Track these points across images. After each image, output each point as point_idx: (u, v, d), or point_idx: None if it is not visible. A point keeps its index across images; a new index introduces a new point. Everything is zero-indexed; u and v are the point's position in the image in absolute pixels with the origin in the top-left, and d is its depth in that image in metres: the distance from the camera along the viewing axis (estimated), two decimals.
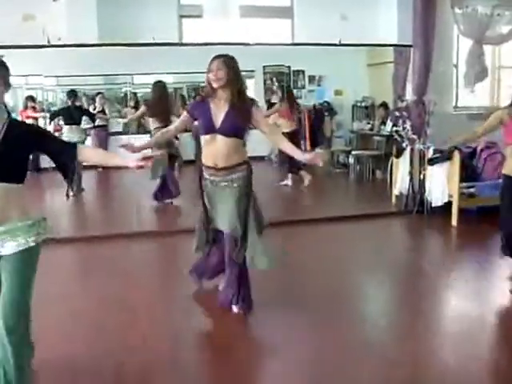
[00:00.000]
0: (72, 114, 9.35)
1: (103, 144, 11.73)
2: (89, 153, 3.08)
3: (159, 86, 8.43)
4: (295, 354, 3.61)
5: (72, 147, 2.83)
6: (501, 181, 7.01)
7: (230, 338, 3.91)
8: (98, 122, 11.48)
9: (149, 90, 9.37)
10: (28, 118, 11.01)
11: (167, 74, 12.27)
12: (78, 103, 9.72)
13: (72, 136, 9.04)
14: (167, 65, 11.00)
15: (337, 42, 7.94)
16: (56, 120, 9.82)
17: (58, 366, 3.39)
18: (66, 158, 2.79)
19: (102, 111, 11.51)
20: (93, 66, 10.62)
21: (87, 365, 3.44)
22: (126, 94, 12.75)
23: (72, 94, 9.49)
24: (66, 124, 9.37)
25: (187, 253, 4.62)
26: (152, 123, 8.44)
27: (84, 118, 9.69)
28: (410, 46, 8.12)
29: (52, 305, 4.25)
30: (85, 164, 4.09)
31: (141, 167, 2.80)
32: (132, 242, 6.38)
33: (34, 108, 10.96)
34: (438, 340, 3.87)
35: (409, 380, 3.35)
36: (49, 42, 6.84)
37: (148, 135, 8.68)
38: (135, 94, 12.60)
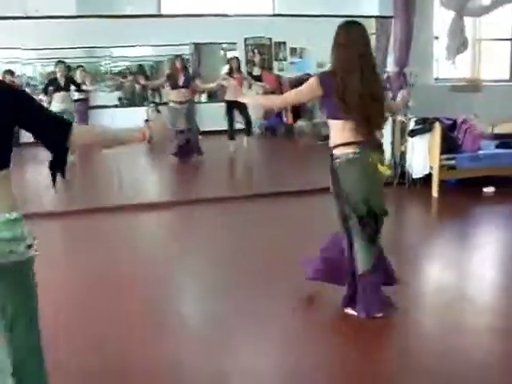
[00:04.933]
0: (60, 83, 9.46)
1: (84, 117, 11.62)
2: (87, 133, 2.30)
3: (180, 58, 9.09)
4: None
5: (66, 124, 2.13)
6: (481, 152, 7.12)
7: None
8: (78, 96, 11.37)
9: (128, 63, 9.37)
10: None
11: (147, 46, 12.17)
12: (65, 73, 9.73)
13: (60, 104, 9.28)
14: (147, 37, 10.87)
15: (317, 14, 7.89)
16: (49, 91, 9.80)
17: None
18: (55, 137, 2.11)
19: (84, 84, 11.39)
20: (72, 38, 10.49)
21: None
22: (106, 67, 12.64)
23: (61, 63, 9.54)
24: (54, 92, 9.45)
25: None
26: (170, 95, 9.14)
27: (72, 87, 9.75)
28: (390, 17, 8.09)
29: None
30: None
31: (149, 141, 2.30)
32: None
33: (12, 82, 10.79)
34: (420, 310, 3.93)
35: (393, 352, 3.42)
36: (26, 13, 6.72)
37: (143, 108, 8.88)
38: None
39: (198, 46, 12.37)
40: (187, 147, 9.42)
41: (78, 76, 11.23)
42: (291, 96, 4.05)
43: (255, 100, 4.66)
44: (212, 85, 10.28)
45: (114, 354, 3.30)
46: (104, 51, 12.24)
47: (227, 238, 5.58)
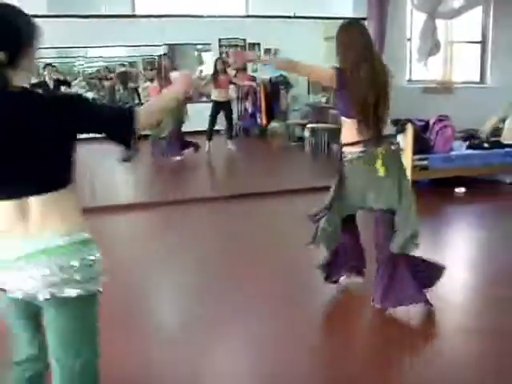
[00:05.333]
0: (49, 86, 9.35)
1: None
2: (147, 114, 2.04)
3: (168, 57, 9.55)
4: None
5: (129, 113, 1.97)
6: (452, 153, 7.21)
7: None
8: None
9: (102, 63, 9.33)
10: None
11: (121, 46, 12.09)
12: (54, 76, 9.71)
13: None
14: (120, 38, 10.80)
15: (291, 15, 7.91)
16: None
17: None
18: (119, 129, 1.96)
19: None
20: (44, 38, 10.34)
21: None
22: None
23: (49, 66, 9.52)
24: None
25: None
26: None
27: (63, 88, 9.67)
28: (364, 19, 8.15)
29: None
30: None
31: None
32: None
33: None
34: (390, 309, 3.95)
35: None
36: None
37: None
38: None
39: (171, 47, 12.33)
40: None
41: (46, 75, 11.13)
42: (316, 72, 3.88)
43: (279, 60, 4.53)
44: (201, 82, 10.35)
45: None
46: (78, 51, 12.13)
47: (205, 237, 5.56)
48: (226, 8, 10.25)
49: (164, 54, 9.68)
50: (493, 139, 7.69)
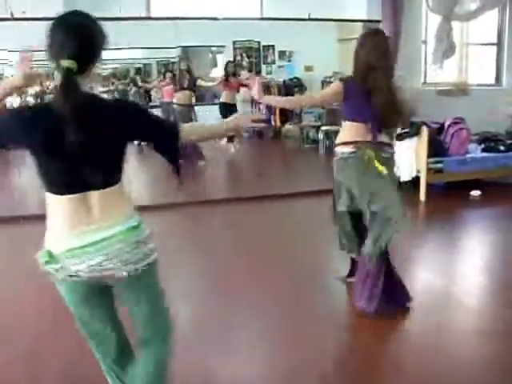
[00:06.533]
0: None
1: None
2: (191, 131, 2.30)
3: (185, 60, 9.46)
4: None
5: (173, 128, 2.20)
6: (468, 156, 7.16)
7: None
8: None
9: (117, 66, 9.33)
10: None
11: (136, 48, 12.13)
12: None
13: None
14: (135, 40, 10.84)
15: (306, 17, 7.90)
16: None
17: None
18: (169, 144, 2.19)
19: None
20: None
21: None
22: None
23: None
24: None
25: None
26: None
27: None
28: (378, 21, 8.13)
29: None
30: None
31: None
32: None
33: None
34: (407, 313, 3.93)
35: (379, 353, 3.42)
36: (12, 15, 6.68)
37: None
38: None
39: (185, 49, 12.36)
40: (191, 152, 9.43)
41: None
42: (315, 99, 4.24)
43: (274, 100, 4.71)
44: (213, 83, 10.38)
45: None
46: None
47: (219, 238, 5.57)
48: (241, 10, 10.24)
49: (182, 58, 9.71)
50: (509, 142, 7.64)
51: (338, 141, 3.88)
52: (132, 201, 2.21)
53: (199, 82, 9.77)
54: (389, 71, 3.72)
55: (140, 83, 11.96)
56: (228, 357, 3.37)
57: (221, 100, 10.19)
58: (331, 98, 3.95)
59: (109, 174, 2.09)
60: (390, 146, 3.89)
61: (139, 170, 9.33)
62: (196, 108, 10.16)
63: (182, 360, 3.29)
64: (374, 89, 3.60)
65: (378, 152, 3.71)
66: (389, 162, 3.80)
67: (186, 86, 9.44)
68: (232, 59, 11.52)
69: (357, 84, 3.66)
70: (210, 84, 10.50)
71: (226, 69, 10.14)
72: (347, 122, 3.82)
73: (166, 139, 2.18)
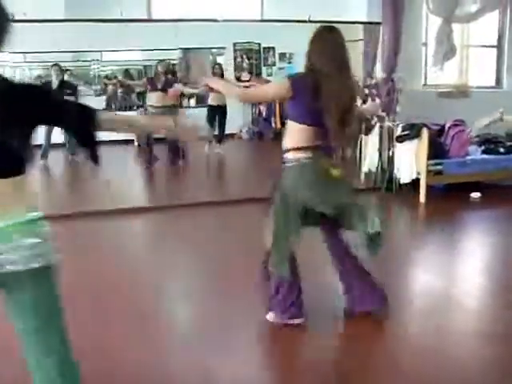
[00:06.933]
0: (53, 86, 9.41)
1: None
2: (111, 118, 2.25)
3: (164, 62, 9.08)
4: None
5: (86, 112, 2.05)
6: (468, 158, 7.17)
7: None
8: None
9: (117, 67, 9.34)
10: None
11: (136, 50, 12.15)
12: (60, 77, 9.81)
13: None
14: (136, 41, 10.86)
15: (306, 19, 7.91)
16: None
17: None
18: (78, 126, 2.05)
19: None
20: (61, 42, 10.45)
21: None
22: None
23: (56, 66, 9.66)
24: None
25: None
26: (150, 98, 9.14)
27: (67, 91, 9.71)
28: (379, 23, 8.14)
29: None
30: None
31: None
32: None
33: None
34: (407, 315, 3.94)
35: (381, 354, 3.43)
36: (13, 16, 6.67)
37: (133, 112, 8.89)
38: None
39: (185, 51, 12.38)
40: (170, 153, 9.43)
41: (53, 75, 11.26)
42: (267, 98, 4.10)
43: (225, 87, 4.46)
44: (195, 90, 10.23)
45: (101, 359, 3.28)
46: (93, 55, 12.22)
47: (218, 240, 5.57)
48: (241, 12, 10.27)
49: (161, 60, 9.52)
50: (509, 144, 7.64)
51: (287, 145, 3.53)
52: (36, 198, 2.11)
53: (177, 88, 9.56)
54: (343, 77, 3.39)
55: (127, 82, 11.79)
56: (228, 357, 3.36)
57: (208, 103, 10.18)
58: (280, 96, 3.75)
59: (11, 163, 1.93)
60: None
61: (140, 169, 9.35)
62: (196, 110, 10.16)
63: (182, 360, 3.31)
64: (325, 105, 3.31)
65: (331, 158, 3.54)
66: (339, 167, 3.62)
67: (159, 87, 9.12)
68: (225, 60, 11.54)
69: (308, 84, 3.36)
70: (191, 91, 10.41)
71: (213, 71, 10.12)
72: (296, 124, 3.47)
73: (75, 122, 2.03)
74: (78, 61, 12.38)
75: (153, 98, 9.20)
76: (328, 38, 3.45)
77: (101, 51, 12.01)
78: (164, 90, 9.12)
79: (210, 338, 3.55)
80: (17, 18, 6.79)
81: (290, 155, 3.50)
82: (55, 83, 9.44)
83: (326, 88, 3.30)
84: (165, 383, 3.08)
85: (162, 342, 3.54)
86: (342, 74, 3.38)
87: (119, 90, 12.40)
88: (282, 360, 3.35)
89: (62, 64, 11.11)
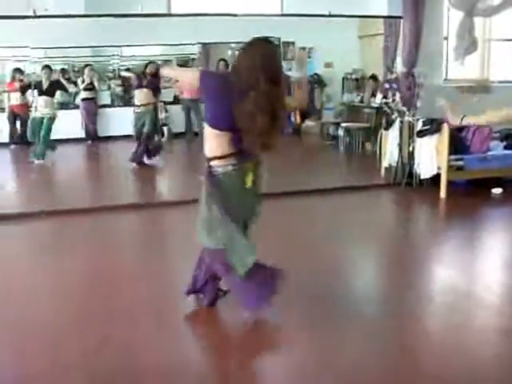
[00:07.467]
0: (43, 86, 9.42)
1: (91, 117, 11.69)
2: None
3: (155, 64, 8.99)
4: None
5: None
6: (489, 153, 7.10)
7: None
8: (86, 95, 11.47)
9: (137, 62, 9.33)
10: (15, 90, 10.92)
11: (155, 45, 12.20)
12: (52, 77, 9.79)
13: (43, 109, 9.43)
14: (156, 36, 10.91)
15: (326, 13, 7.87)
16: (30, 91, 10.26)
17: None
18: None
19: (91, 83, 11.45)
20: (81, 37, 10.54)
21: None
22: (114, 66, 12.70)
23: (46, 68, 9.61)
24: (39, 95, 9.48)
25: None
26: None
27: (58, 92, 9.71)
28: (399, 17, 8.07)
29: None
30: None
31: None
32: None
33: (21, 80, 10.85)
34: (428, 311, 3.92)
35: (401, 352, 3.41)
36: (35, 12, 6.74)
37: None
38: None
39: (205, 46, 12.40)
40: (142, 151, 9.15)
41: (85, 75, 11.35)
42: (184, 74, 3.94)
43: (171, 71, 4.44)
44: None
45: (117, 353, 3.31)
46: (113, 50, 12.29)
47: None
48: (261, 6, 10.23)
49: (151, 62, 9.41)
50: None
51: (210, 154, 3.32)
52: None
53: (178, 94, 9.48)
54: (271, 94, 3.16)
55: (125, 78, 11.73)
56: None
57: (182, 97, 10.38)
58: (192, 85, 3.51)
59: None
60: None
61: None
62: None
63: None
64: (245, 126, 3.15)
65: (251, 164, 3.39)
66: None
67: (144, 84, 8.93)
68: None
69: (220, 85, 3.25)
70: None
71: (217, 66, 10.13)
72: (213, 130, 3.28)
73: None
74: (98, 56, 12.47)
75: (136, 96, 9.14)
76: (258, 50, 3.47)
77: (120, 46, 12.09)
78: (147, 86, 8.96)
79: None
80: (38, 13, 6.88)
81: (214, 164, 3.32)
82: (45, 84, 9.42)
83: (247, 100, 3.11)
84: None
85: (177, 329, 3.55)
86: (263, 83, 3.17)
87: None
88: (288, 360, 3.34)
89: (81, 59, 11.25)
